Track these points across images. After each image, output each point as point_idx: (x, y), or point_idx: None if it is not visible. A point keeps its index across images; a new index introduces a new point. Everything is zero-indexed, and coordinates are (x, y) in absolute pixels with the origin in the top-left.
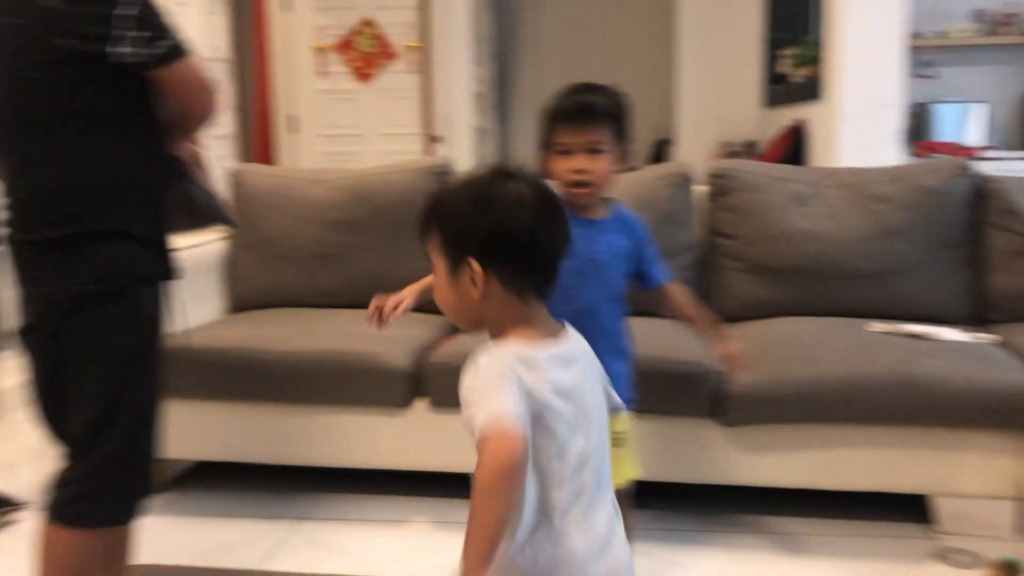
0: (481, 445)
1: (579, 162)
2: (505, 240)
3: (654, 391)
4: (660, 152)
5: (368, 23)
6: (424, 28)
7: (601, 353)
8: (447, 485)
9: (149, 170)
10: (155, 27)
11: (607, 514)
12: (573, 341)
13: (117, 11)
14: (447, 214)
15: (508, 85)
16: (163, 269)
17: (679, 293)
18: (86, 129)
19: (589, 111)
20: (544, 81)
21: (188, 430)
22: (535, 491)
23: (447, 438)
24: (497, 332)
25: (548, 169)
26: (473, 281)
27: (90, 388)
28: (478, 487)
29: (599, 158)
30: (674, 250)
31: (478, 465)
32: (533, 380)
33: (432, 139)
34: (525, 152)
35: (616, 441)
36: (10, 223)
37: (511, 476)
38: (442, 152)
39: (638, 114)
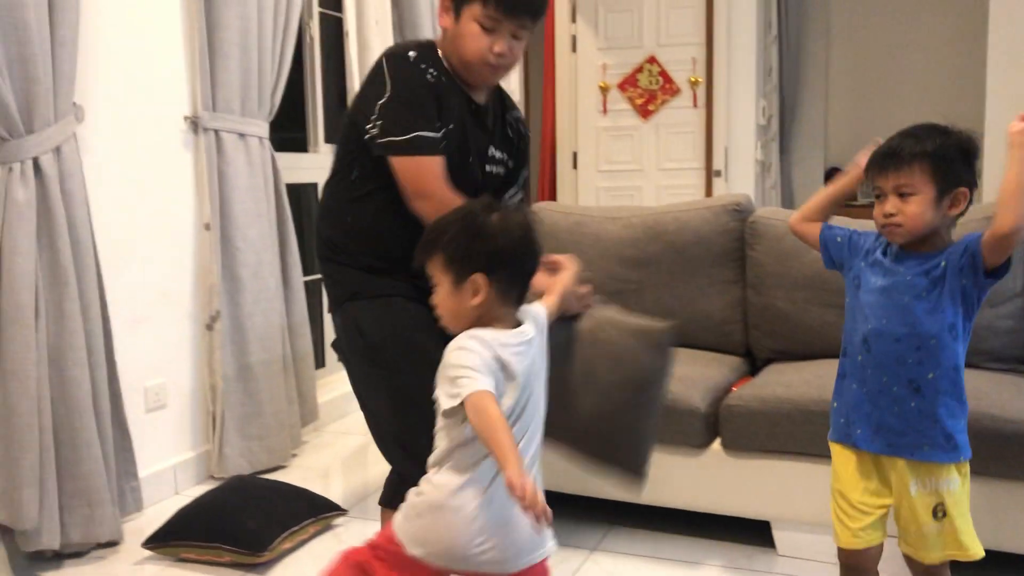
0: (468, 405)
1: (889, 205)
2: (499, 261)
3: (983, 450)
4: None
5: (651, 60)
6: (708, 63)
7: (890, 382)
8: (740, 529)
9: (378, 222)
10: (391, 121)
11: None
12: (528, 328)
13: (381, 101)
14: (449, 242)
15: (791, 117)
16: (380, 290)
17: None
18: (348, 178)
19: (895, 155)
20: (829, 113)
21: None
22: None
23: (741, 482)
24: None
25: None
26: (475, 292)
27: (357, 390)
28: (479, 427)
29: (909, 201)
30: (999, 298)
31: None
32: (502, 352)
33: (713, 174)
34: (806, 185)
35: (936, 513)
36: None
37: (484, 414)
38: (722, 186)
39: None
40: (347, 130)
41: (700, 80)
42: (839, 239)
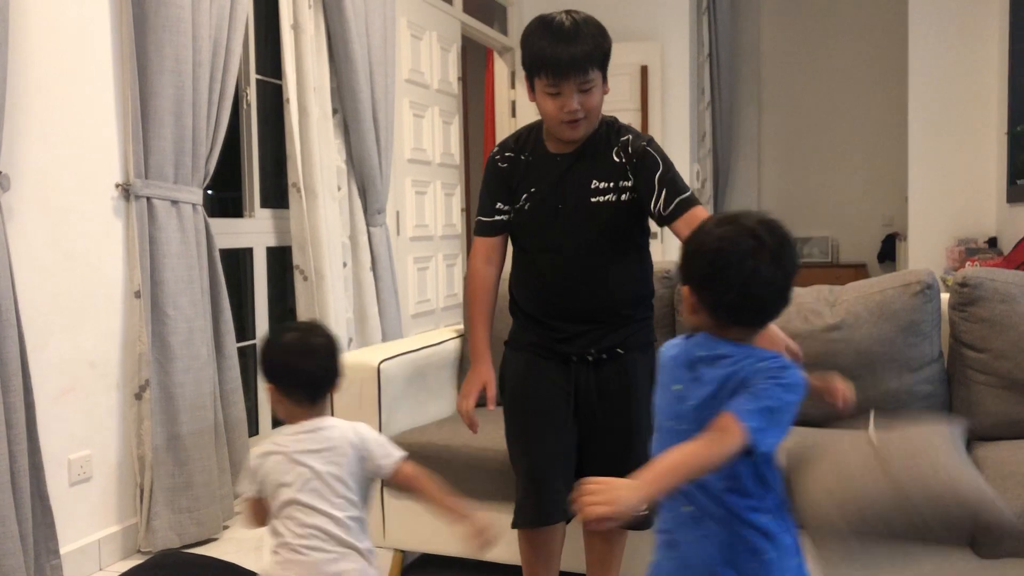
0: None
1: None
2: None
3: None
4: (889, 247)
5: None
6: (643, 128)
7: None
8: None
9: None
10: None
11: None
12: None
13: None
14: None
15: (725, 180)
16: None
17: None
18: None
19: None
20: (762, 177)
21: (415, 523)
22: None
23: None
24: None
25: None
26: (279, 400)
27: None
28: None
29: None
30: (918, 363)
31: None
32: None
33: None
34: None
35: None
36: None
37: None
38: (658, 248)
39: (866, 207)
40: None
41: None
42: None
